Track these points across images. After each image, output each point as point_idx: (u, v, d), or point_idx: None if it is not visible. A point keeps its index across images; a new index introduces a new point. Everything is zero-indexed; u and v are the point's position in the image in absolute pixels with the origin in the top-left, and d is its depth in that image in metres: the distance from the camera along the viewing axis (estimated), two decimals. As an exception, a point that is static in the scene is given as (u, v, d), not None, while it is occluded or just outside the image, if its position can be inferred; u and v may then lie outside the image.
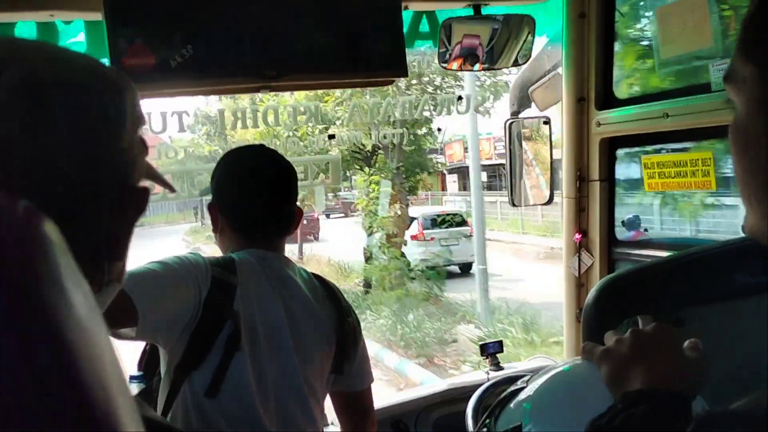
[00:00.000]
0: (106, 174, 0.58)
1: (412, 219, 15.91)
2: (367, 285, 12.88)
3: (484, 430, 0.83)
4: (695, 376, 0.75)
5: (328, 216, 27.12)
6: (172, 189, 0.79)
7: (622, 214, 2.33)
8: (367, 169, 13.32)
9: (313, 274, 1.68)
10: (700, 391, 0.73)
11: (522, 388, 0.84)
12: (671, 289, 1.08)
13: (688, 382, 0.73)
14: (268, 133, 10.20)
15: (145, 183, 0.65)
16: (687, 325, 0.84)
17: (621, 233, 2.34)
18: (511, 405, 0.82)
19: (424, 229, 15.56)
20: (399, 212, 12.89)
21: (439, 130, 12.82)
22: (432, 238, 15.40)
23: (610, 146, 2.27)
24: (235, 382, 1.42)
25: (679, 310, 0.90)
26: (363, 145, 11.54)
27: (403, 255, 12.94)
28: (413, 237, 15.24)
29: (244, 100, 11.00)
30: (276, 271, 1.56)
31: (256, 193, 1.56)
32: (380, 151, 13.49)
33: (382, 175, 12.99)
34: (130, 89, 0.63)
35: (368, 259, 13.47)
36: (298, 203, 1.68)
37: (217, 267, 1.47)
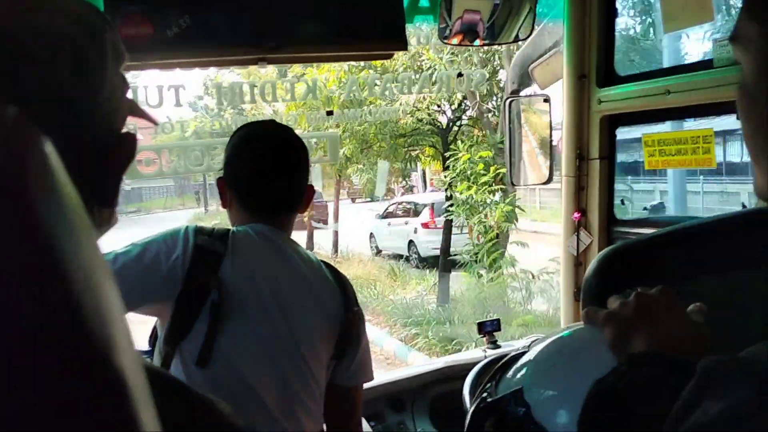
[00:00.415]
0: (92, 121, 0.59)
1: (423, 205, 15.43)
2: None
3: (485, 395, 0.82)
4: (700, 340, 0.74)
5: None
6: (154, 122, 0.78)
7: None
8: (460, 143, 9.47)
9: (322, 260, 1.65)
10: (704, 355, 0.73)
11: (523, 353, 0.84)
12: (673, 260, 1.07)
13: (693, 345, 0.73)
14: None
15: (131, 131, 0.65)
16: (687, 296, 0.83)
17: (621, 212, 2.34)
18: (512, 371, 0.82)
19: (436, 216, 13.85)
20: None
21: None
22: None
23: (611, 124, 2.25)
24: (226, 352, 1.41)
25: (680, 281, 0.89)
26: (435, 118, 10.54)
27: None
28: (424, 225, 14.66)
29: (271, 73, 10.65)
30: (276, 247, 1.54)
31: (263, 169, 1.55)
32: (463, 123, 11.09)
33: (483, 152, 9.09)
34: (109, 28, 0.62)
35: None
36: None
37: (205, 236, 1.46)
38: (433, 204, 14.85)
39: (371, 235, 17.10)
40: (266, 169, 1.54)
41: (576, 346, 0.83)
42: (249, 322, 1.45)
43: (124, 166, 0.64)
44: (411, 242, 14.98)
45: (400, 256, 15.17)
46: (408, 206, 16.38)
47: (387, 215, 16.75)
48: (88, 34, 0.59)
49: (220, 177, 1.59)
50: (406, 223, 15.43)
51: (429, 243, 13.90)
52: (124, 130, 0.65)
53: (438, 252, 11.54)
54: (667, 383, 0.64)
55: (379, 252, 16.42)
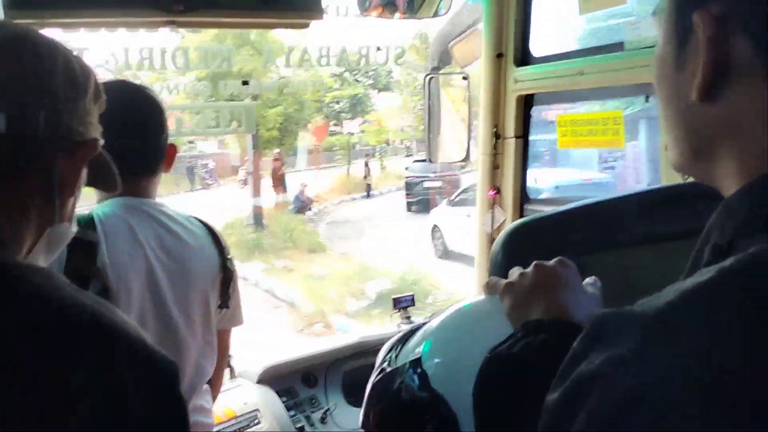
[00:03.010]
0: (59, 120, 0.71)
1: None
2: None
3: (385, 364, 0.81)
4: (593, 309, 0.76)
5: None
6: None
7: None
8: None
9: (192, 215, 1.65)
10: None
11: (424, 324, 0.83)
12: (576, 236, 1.09)
13: (586, 314, 0.74)
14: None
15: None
16: (588, 270, 0.85)
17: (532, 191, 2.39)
18: (412, 341, 0.81)
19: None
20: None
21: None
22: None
23: (526, 103, 2.29)
24: None
25: (582, 256, 0.91)
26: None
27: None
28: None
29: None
30: (147, 218, 1.50)
31: (114, 131, 1.47)
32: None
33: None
34: (71, 56, 0.79)
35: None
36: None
37: None
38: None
39: (435, 229, 12.98)
40: (118, 132, 1.46)
41: (475, 316, 0.83)
42: (135, 304, 1.43)
43: (83, 162, 0.77)
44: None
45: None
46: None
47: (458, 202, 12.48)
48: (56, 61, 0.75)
49: None
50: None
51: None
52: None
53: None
54: (560, 348, 0.65)
55: (446, 253, 12.38)
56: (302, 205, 17.22)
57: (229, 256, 1.64)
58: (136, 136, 1.47)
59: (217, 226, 1.72)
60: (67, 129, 0.71)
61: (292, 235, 14.16)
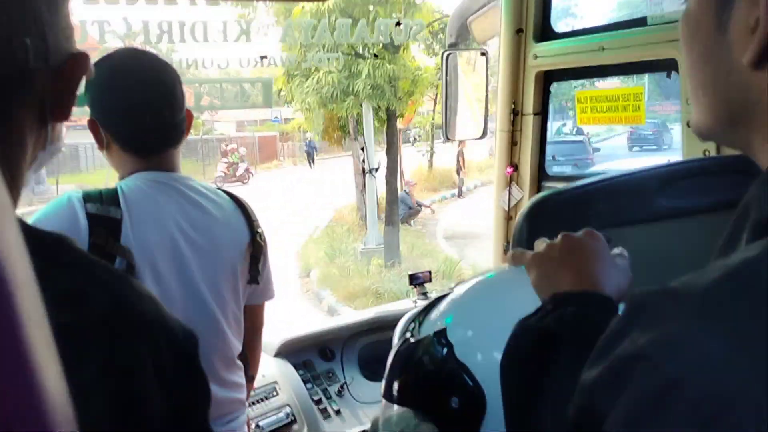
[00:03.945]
0: (53, 39, 0.64)
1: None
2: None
3: (408, 335, 0.82)
4: (623, 281, 0.76)
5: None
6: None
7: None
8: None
9: (218, 188, 1.62)
10: (624, 297, 0.74)
11: (447, 295, 0.84)
12: (599, 209, 1.09)
13: (615, 285, 0.74)
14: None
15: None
16: (613, 243, 0.85)
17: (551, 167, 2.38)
18: (435, 312, 0.82)
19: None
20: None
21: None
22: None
23: (545, 80, 2.27)
24: None
25: (607, 229, 0.91)
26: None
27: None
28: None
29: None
30: (172, 192, 1.47)
31: (135, 105, 1.43)
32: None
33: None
34: None
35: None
36: None
37: (95, 202, 1.37)
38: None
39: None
40: (139, 105, 1.43)
41: (500, 288, 0.83)
42: (162, 281, 1.41)
43: (78, 81, 0.68)
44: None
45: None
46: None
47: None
48: None
49: (91, 118, 1.46)
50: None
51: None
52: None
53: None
54: (591, 320, 0.65)
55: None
56: (411, 213, 13.32)
57: (258, 230, 1.60)
58: (159, 110, 1.44)
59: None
60: (55, 50, 0.65)
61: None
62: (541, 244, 0.80)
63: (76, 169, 21.39)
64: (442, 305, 0.82)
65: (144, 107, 1.42)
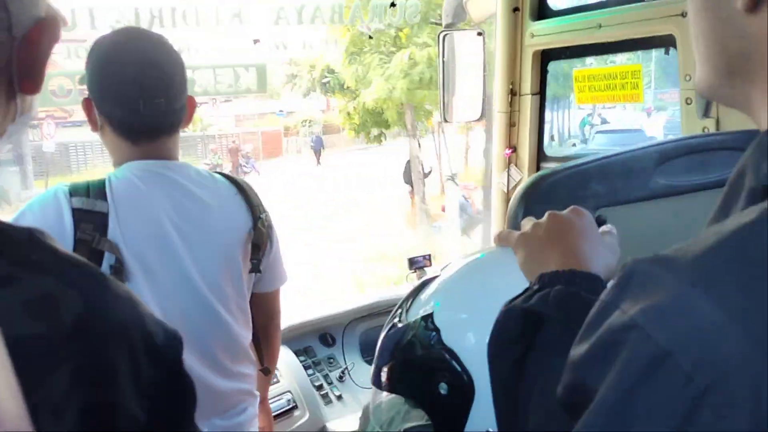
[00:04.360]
0: (18, 3, 0.59)
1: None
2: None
3: (396, 319, 0.81)
4: (611, 259, 0.74)
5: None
6: (62, 19, 0.75)
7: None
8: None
9: (218, 172, 1.55)
10: (612, 276, 0.73)
11: (435, 278, 0.82)
12: (595, 189, 1.07)
13: (603, 263, 0.72)
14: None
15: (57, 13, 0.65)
16: (607, 223, 0.83)
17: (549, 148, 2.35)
18: (423, 295, 0.80)
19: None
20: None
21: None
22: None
23: (543, 59, 2.24)
24: None
25: (599, 209, 0.89)
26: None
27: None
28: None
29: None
30: (165, 182, 1.41)
31: (129, 85, 1.36)
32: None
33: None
34: None
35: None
36: None
37: (81, 196, 1.32)
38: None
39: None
40: (132, 89, 1.36)
41: (487, 269, 0.82)
42: (154, 276, 1.36)
43: (48, 50, 0.64)
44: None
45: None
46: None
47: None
48: None
49: (87, 97, 1.41)
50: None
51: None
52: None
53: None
54: (578, 299, 0.63)
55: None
56: (471, 221, 10.95)
57: (261, 215, 1.53)
58: (158, 95, 1.37)
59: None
60: (20, 17, 0.60)
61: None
62: (528, 223, 0.78)
63: (66, 169, 20.07)
64: (430, 288, 0.80)
65: (137, 91, 1.36)
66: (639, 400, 0.38)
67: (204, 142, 24.70)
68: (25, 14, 0.60)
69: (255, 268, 1.52)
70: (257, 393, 1.63)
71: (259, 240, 1.52)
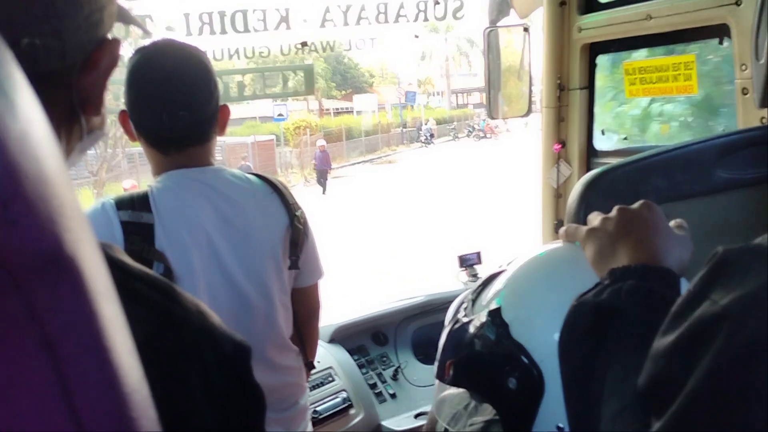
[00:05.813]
0: (73, 26, 0.58)
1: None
2: None
3: (460, 315, 0.81)
4: (683, 253, 0.74)
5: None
6: (146, 31, 0.75)
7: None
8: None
9: (253, 173, 1.59)
10: (686, 271, 0.72)
11: (500, 273, 0.82)
12: (655, 184, 1.06)
13: (676, 258, 0.72)
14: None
15: (117, 36, 0.66)
16: (670, 218, 0.83)
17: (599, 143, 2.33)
18: (488, 290, 0.81)
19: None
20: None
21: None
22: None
23: (591, 52, 2.22)
24: None
25: (661, 205, 0.88)
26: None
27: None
28: None
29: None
30: (201, 186, 1.45)
31: (153, 98, 1.40)
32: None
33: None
34: None
35: None
36: None
37: (127, 209, 1.38)
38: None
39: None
40: (158, 102, 1.40)
41: (554, 264, 0.82)
42: (201, 281, 1.41)
43: (108, 72, 0.64)
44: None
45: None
46: None
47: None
48: None
49: (123, 110, 1.45)
50: None
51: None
52: (110, 35, 0.65)
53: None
54: (653, 294, 0.64)
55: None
56: None
57: (297, 213, 1.56)
58: (180, 109, 1.40)
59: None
60: (75, 45, 0.59)
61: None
62: (595, 218, 0.78)
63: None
64: (495, 284, 0.81)
65: (159, 105, 1.40)
66: (732, 388, 0.39)
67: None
68: (82, 40, 0.60)
69: (294, 265, 1.57)
70: (306, 385, 1.68)
71: (296, 237, 1.56)
